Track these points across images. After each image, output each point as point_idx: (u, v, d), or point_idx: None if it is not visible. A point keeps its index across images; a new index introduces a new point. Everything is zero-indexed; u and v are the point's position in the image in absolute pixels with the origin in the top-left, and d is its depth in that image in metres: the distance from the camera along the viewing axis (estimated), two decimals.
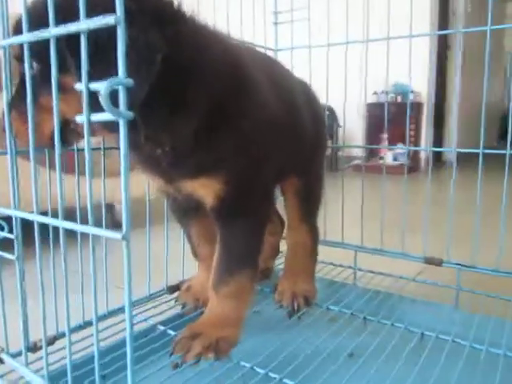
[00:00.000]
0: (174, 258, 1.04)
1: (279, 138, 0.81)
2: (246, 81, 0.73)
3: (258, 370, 0.74)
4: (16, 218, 0.60)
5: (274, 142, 0.79)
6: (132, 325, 0.46)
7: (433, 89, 5.29)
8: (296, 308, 0.95)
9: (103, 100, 0.40)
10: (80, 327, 0.84)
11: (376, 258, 1.21)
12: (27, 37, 0.52)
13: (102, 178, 0.90)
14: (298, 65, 1.20)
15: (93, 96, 0.45)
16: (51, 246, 0.67)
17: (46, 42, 0.50)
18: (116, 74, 0.42)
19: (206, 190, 0.74)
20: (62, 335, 0.77)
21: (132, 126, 0.66)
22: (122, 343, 0.82)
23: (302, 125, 0.96)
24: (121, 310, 0.94)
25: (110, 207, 2.27)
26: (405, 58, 1.21)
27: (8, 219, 0.61)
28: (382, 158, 5.06)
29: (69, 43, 0.52)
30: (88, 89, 0.45)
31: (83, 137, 0.48)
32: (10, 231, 0.60)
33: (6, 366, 0.69)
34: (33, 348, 0.73)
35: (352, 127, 4.51)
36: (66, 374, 0.59)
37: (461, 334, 0.85)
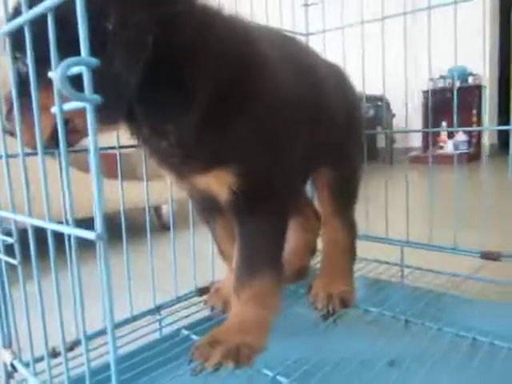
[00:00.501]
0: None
1: (299, 125, 0.74)
2: (255, 64, 0.67)
3: (281, 379, 0.67)
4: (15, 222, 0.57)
5: (293, 128, 0.72)
6: (115, 348, 0.41)
7: (495, 71, 4.92)
8: (331, 310, 0.88)
9: (60, 84, 0.36)
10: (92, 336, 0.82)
11: (427, 256, 1.10)
12: (6, 27, 0.49)
13: (144, 181, 0.88)
14: (341, 51, 1.12)
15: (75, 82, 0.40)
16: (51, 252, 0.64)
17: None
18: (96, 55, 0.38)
19: (218, 185, 0.68)
20: (74, 344, 0.75)
21: (131, 116, 0.63)
22: (142, 349, 0.79)
23: (329, 111, 0.88)
24: (149, 312, 0.92)
25: (157, 210, 2.29)
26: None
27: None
28: (441, 147, 4.80)
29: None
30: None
31: (86, 135, 0.44)
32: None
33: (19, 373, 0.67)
34: (52, 355, 0.71)
35: (408, 116, 4.31)
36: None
37: None
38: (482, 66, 4.58)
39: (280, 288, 0.75)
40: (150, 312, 0.92)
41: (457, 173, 1.06)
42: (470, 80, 4.74)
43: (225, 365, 0.68)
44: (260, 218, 0.71)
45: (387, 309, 0.89)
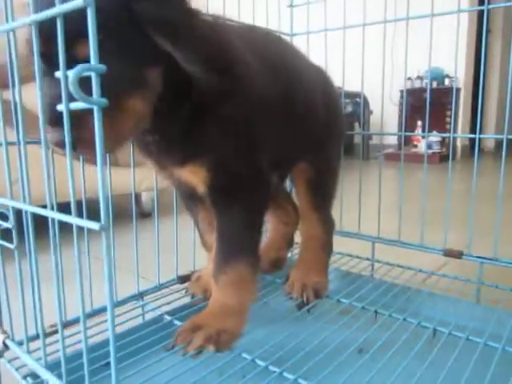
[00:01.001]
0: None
1: (273, 123, 0.78)
2: (229, 64, 0.70)
3: (259, 362, 0.72)
4: (12, 208, 0.60)
5: (266, 126, 0.76)
6: (114, 324, 0.45)
7: (470, 74, 5.06)
8: (305, 300, 0.93)
9: (72, 87, 0.40)
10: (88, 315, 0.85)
11: (397, 251, 1.18)
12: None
13: (124, 169, 0.91)
14: (323, 51, 1.16)
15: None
16: (53, 237, 0.67)
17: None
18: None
19: (194, 178, 0.73)
20: (67, 324, 0.78)
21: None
22: (126, 333, 0.83)
23: (309, 110, 0.92)
24: (132, 298, 0.95)
25: (136, 197, 2.31)
26: (437, 42, 1.14)
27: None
28: (416, 145, 4.93)
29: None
30: (66, 76, 0.45)
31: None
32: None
33: (11, 351, 0.71)
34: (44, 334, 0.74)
35: (385, 115, 4.41)
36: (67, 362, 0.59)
37: (477, 330, 0.81)
38: (458, 69, 4.72)
39: (256, 276, 0.80)
40: (134, 298, 0.95)
41: (425, 173, 1.12)
42: (447, 82, 4.87)
43: (206, 349, 0.73)
44: (234, 210, 0.76)
45: (358, 300, 0.95)
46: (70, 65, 0.45)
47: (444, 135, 2.45)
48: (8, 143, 0.60)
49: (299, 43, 1.18)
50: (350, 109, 4.68)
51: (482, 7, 0.92)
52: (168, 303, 0.95)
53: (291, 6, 1.25)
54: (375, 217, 1.19)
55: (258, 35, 0.92)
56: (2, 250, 0.68)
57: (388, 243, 1.17)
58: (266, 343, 0.77)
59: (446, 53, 3.58)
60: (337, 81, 1.11)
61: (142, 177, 1.86)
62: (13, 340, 0.70)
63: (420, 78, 4.99)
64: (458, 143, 4.93)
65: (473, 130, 4.96)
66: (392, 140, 5.13)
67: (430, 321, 0.85)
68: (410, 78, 4.93)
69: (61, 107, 0.46)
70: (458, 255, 1.03)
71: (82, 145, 0.51)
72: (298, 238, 1.12)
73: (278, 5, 1.22)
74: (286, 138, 0.85)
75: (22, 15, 0.49)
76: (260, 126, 0.75)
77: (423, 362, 0.71)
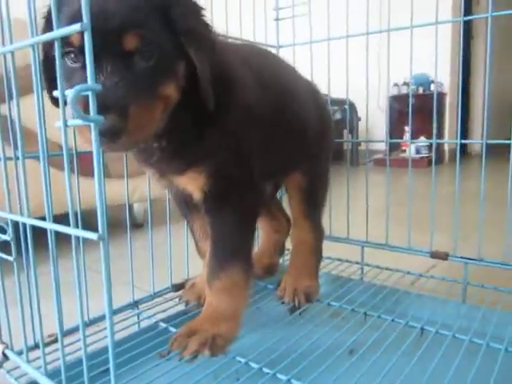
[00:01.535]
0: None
1: (267, 135, 0.82)
2: (229, 78, 0.74)
3: (253, 364, 0.74)
4: (11, 221, 0.62)
5: (261, 138, 0.80)
6: (113, 331, 0.47)
7: (455, 80, 5.14)
8: (297, 304, 0.96)
9: (70, 106, 0.42)
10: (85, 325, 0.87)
11: (386, 255, 1.21)
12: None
13: (123, 180, 0.94)
14: (309, 62, 1.20)
15: None
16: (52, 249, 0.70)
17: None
18: None
19: (192, 185, 0.76)
20: (66, 333, 0.80)
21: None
22: (123, 340, 0.84)
23: (302, 123, 0.96)
24: (127, 306, 0.97)
25: (129, 208, 2.32)
26: (422, 48, 1.17)
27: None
28: (404, 151, 4.99)
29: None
30: (64, 95, 0.47)
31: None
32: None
33: (11, 362, 0.72)
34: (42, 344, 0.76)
35: (373, 121, 4.46)
36: (67, 370, 0.61)
37: (463, 329, 0.84)
38: (442, 74, 4.81)
39: (249, 281, 0.82)
40: (129, 306, 0.97)
41: (410, 177, 1.15)
42: (433, 87, 4.95)
43: (201, 353, 0.75)
44: (228, 217, 0.79)
45: (347, 303, 0.98)
46: (119, 59, 0.56)
47: (427, 141, 2.49)
48: (7, 158, 0.62)
49: (286, 55, 1.22)
50: (338, 116, 4.73)
51: (458, 19, 0.96)
52: (163, 311, 0.97)
53: (277, 19, 1.29)
54: (364, 222, 1.22)
55: (254, 52, 0.96)
56: (1, 262, 0.70)
57: (377, 247, 1.20)
58: (259, 346, 0.79)
59: (432, 59, 3.65)
60: (323, 89, 1.15)
61: (133, 187, 1.89)
62: (12, 350, 0.72)
63: (406, 84, 5.06)
64: (446, 147, 5.01)
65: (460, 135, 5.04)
66: (381, 146, 5.18)
67: (417, 321, 0.88)
68: (396, 84, 5.01)
69: (59, 124, 0.49)
70: (444, 256, 1.07)
71: (129, 133, 0.55)
72: (288, 244, 1.15)
73: (265, 18, 1.26)
74: (281, 149, 0.88)
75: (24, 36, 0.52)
76: (255, 138, 0.79)
77: (411, 359, 0.74)
